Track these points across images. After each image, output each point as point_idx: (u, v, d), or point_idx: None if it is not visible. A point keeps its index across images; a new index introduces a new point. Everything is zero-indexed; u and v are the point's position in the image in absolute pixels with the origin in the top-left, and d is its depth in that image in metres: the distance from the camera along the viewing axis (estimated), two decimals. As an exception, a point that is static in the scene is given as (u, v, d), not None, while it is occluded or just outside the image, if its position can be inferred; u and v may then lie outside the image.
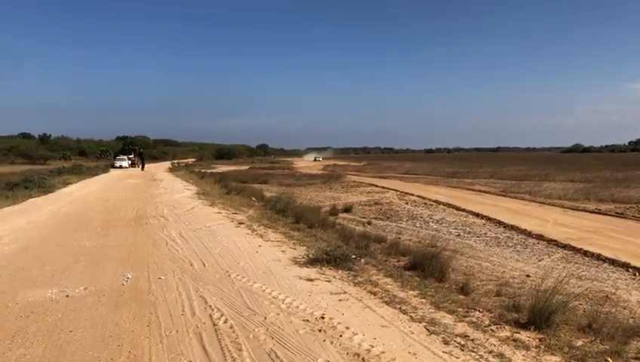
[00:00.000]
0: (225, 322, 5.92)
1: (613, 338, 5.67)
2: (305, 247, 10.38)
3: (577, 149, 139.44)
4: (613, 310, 7.15)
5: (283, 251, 10.09)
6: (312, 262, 9.03)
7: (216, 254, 9.66)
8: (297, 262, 9.11)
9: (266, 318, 6.08)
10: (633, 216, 19.35)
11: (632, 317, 7.08)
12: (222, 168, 63.67)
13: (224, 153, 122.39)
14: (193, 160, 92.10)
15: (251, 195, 22.16)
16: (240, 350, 5.11)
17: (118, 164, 60.48)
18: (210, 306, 6.51)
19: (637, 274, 10.09)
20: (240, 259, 9.24)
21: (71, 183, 30.19)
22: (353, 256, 9.10)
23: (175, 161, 75.87)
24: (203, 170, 48.94)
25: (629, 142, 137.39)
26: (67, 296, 6.97)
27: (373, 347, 5.24)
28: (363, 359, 4.93)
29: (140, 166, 56.76)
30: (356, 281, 7.90)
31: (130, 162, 61.61)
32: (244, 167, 71.00)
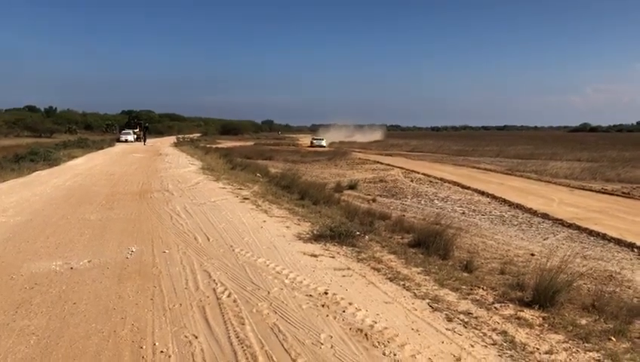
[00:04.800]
0: (228, 296, 5.92)
1: (617, 318, 5.64)
2: (309, 223, 10.37)
3: (585, 128, 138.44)
4: (617, 289, 7.13)
5: (287, 227, 10.08)
6: (316, 238, 9.02)
7: (221, 229, 9.66)
8: (301, 238, 9.10)
9: (269, 293, 6.08)
10: (639, 196, 19.23)
11: (637, 297, 7.05)
12: (227, 143, 63.59)
13: (229, 128, 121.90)
14: (198, 135, 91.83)
15: (256, 171, 22.12)
16: (243, 324, 5.11)
17: (123, 137, 60.44)
18: (214, 280, 6.51)
19: (642, 254, 10.04)
20: (244, 234, 9.23)
21: (76, 157, 30.21)
22: (357, 233, 9.08)
23: (180, 136, 75.75)
24: (208, 145, 48.86)
25: (637, 122, 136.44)
26: (71, 268, 6.98)
27: (376, 323, 5.23)
28: (366, 335, 4.93)
29: (143, 140, 56.63)
30: (360, 258, 7.89)
31: (135, 136, 61.61)
32: (250, 143, 70.87)
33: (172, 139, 69.07)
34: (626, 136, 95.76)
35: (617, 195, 19.78)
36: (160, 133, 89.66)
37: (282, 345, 4.65)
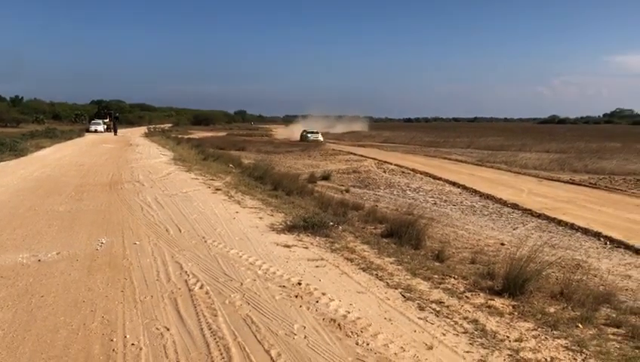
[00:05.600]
0: (201, 288, 5.88)
1: (584, 305, 5.77)
2: (282, 214, 10.34)
3: (553, 120, 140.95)
4: (584, 278, 7.28)
5: (260, 218, 10.03)
6: (289, 228, 9.00)
7: (193, 220, 9.57)
8: (275, 229, 9.07)
9: (242, 284, 6.05)
10: (605, 187, 19.68)
11: (602, 285, 7.22)
12: (199, 134, 62.96)
13: (201, 119, 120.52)
14: (170, 125, 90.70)
15: (229, 162, 21.97)
16: (215, 315, 5.08)
17: (93, 128, 59.35)
18: (186, 272, 6.45)
19: (608, 243, 10.29)
20: (217, 225, 9.17)
21: (44, 147, 29.56)
22: (331, 223, 9.09)
23: (151, 126, 74.71)
24: (180, 136, 48.32)
25: (604, 114, 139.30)
26: (39, 260, 6.84)
27: (349, 313, 5.25)
28: (339, 325, 4.94)
29: (113, 131, 55.60)
30: (333, 248, 7.91)
31: (105, 126, 60.53)
32: (222, 134, 70.29)
33: (143, 129, 68.13)
34: (593, 128, 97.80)
35: (585, 186, 20.21)
36: (131, 124, 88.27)
37: (255, 336, 4.63)
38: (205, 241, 8.01)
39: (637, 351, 4.72)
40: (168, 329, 4.73)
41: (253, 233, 8.70)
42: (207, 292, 5.73)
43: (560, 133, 68.36)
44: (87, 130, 57.60)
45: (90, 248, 7.49)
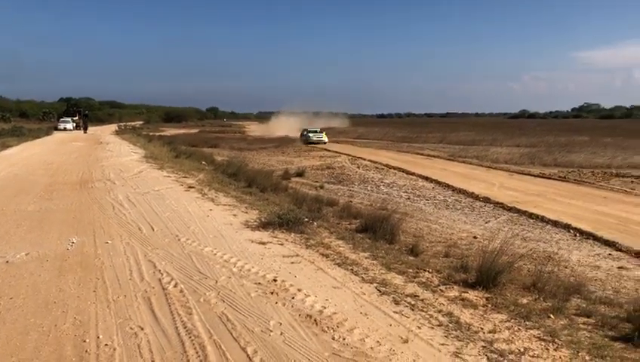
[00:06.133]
0: (175, 286, 5.81)
1: (555, 296, 5.88)
2: (257, 211, 10.29)
3: (523, 115, 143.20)
4: (555, 269, 7.41)
5: (235, 215, 9.97)
6: (264, 225, 8.97)
7: (166, 218, 9.46)
8: (249, 226, 9.03)
9: (217, 282, 6.00)
10: (574, 180, 20.09)
11: (573, 276, 7.37)
12: (170, 131, 62.22)
13: (173, 116, 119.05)
14: (141, 123, 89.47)
15: (201, 159, 21.78)
16: (190, 314, 5.03)
17: (62, 126, 58.08)
18: (160, 270, 6.37)
19: (577, 234, 10.51)
20: (190, 223, 9.08)
21: (11, 146, 28.85)
22: (306, 220, 9.09)
23: (122, 124, 73.59)
24: (151, 133, 47.72)
25: (572, 109, 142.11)
26: (7, 261, 6.67)
27: (325, 308, 5.26)
28: (315, 320, 4.95)
29: (83, 129, 54.52)
30: (309, 244, 7.91)
31: (74, 124, 59.35)
32: (194, 131, 69.58)
33: (113, 127, 67.10)
34: (561, 123, 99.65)
35: (554, 179, 20.59)
36: (100, 122, 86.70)
37: (231, 334, 4.60)
38: (179, 239, 7.93)
39: (606, 339, 4.84)
40: (142, 329, 4.67)
41: (228, 230, 8.65)
42: (181, 291, 5.67)
43: (530, 128, 69.50)
44: (56, 129, 56.37)
45: (60, 248, 7.35)
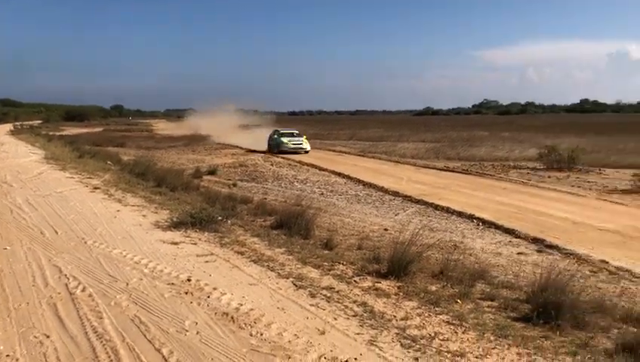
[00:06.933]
0: (83, 291, 5.56)
1: (461, 282, 6.19)
2: (168, 211, 10.04)
3: (428, 112, 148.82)
4: (461, 257, 7.78)
5: (144, 215, 9.67)
6: (176, 225, 8.77)
7: (70, 221, 9.01)
8: (160, 226, 8.80)
9: (128, 284, 5.81)
10: (476, 172, 21.17)
11: (477, 263, 7.76)
12: (72, 130, 59.04)
13: (75, 115, 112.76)
14: (39, 122, 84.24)
15: (107, 159, 20.89)
16: (101, 318, 4.83)
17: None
18: (66, 275, 6.07)
19: (480, 224, 11.08)
20: (97, 225, 8.70)
21: None
22: (219, 218, 8.99)
23: (18, 123, 68.95)
24: (51, 133, 45.10)
25: (473, 105, 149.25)
26: None
27: (242, 305, 5.24)
28: (232, 318, 4.91)
29: None
30: (223, 242, 7.83)
31: None
32: (98, 130, 66.39)
33: (8, 127, 62.69)
34: (463, 119, 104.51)
35: (458, 172, 21.58)
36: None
37: (145, 336, 4.47)
38: (85, 242, 7.58)
39: (509, 320, 5.17)
40: (48, 337, 4.44)
41: (137, 231, 8.38)
42: (90, 295, 5.43)
43: (434, 124, 72.34)
44: None
45: (-49, 257, 6.80)
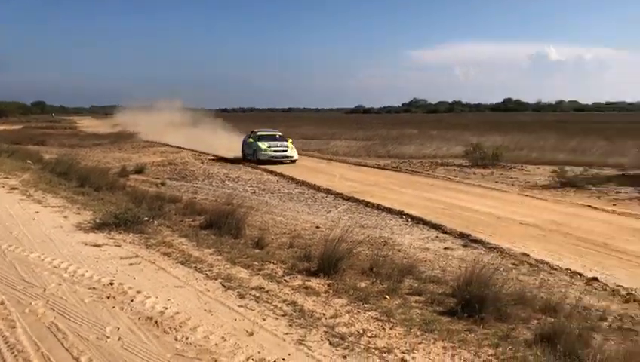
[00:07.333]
0: (-6, 299, 5.22)
1: (390, 278, 6.27)
2: (91, 212, 9.63)
3: (360, 110, 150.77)
4: (390, 253, 7.90)
5: (65, 217, 9.24)
6: (99, 226, 8.43)
7: (-18, 224, 8.46)
8: (82, 228, 8.43)
9: (45, 290, 5.51)
10: (406, 170, 21.62)
11: (405, 258, 7.90)
12: (-12, 128, 55.80)
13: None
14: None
15: (26, 157, 19.85)
16: (14, 327, 4.55)
17: None
18: (-25, 283, 5.68)
19: (409, 220, 11.30)
20: (13, 228, 8.23)
21: None
22: (145, 219, 8.72)
23: None
24: (-38, 131, 42.39)
25: (403, 104, 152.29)
26: None
27: (167, 308, 5.08)
28: (156, 322, 4.75)
29: None
30: (149, 244, 7.59)
31: None
32: (17, 127, 63.01)
33: None
34: (393, 117, 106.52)
35: (388, 170, 21.97)
36: None
37: (62, 344, 4.25)
38: (-1, 246, 7.14)
39: (435, 314, 5.27)
40: (-48, 350, 4.12)
41: (58, 233, 7.98)
42: (2, 303, 5.10)
43: (366, 122, 73.37)
44: None
45: None
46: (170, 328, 4.63)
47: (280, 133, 26.13)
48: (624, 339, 4.78)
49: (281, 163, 22.53)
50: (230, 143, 28.52)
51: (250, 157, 23.97)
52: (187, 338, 4.43)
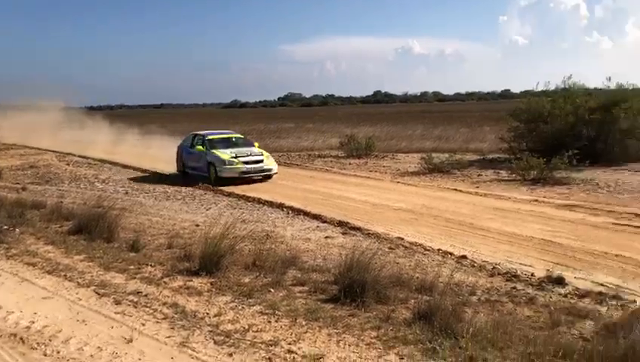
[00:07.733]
0: None
1: (274, 271, 6.29)
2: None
3: (236, 105, 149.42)
4: (273, 246, 7.92)
5: None
6: (-51, 239, 7.58)
7: None
8: None
9: None
10: (284, 163, 21.73)
11: (288, 250, 7.95)
12: None
13: None
14: None
15: None
16: None
17: None
18: None
19: (290, 212, 11.40)
20: None
21: None
22: (5, 227, 8.03)
23: None
24: None
25: (278, 98, 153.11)
26: None
27: (33, 323, 4.70)
28: (22, 338, 4.37)
29: None
30: (10, 254, 6.99)
31: None
32: None
33: None
34: (270, 111, 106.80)
35: (267, 163, 22.00)
36: None
37: None
38: None
39: (319, 303, 5.37)
40: None
41: None
42: None
43: (243, 117, 72.86)
44: None
45: None
46: (38, 343, 4.28)
47: (240, 135, 18.92)
48: (492, 310, 5.17)
49: (252, 181, 15.74)
50: (162, 151, 23.15)
51: (199, 173, 16.54)
52: (59, 352, 4.12)
